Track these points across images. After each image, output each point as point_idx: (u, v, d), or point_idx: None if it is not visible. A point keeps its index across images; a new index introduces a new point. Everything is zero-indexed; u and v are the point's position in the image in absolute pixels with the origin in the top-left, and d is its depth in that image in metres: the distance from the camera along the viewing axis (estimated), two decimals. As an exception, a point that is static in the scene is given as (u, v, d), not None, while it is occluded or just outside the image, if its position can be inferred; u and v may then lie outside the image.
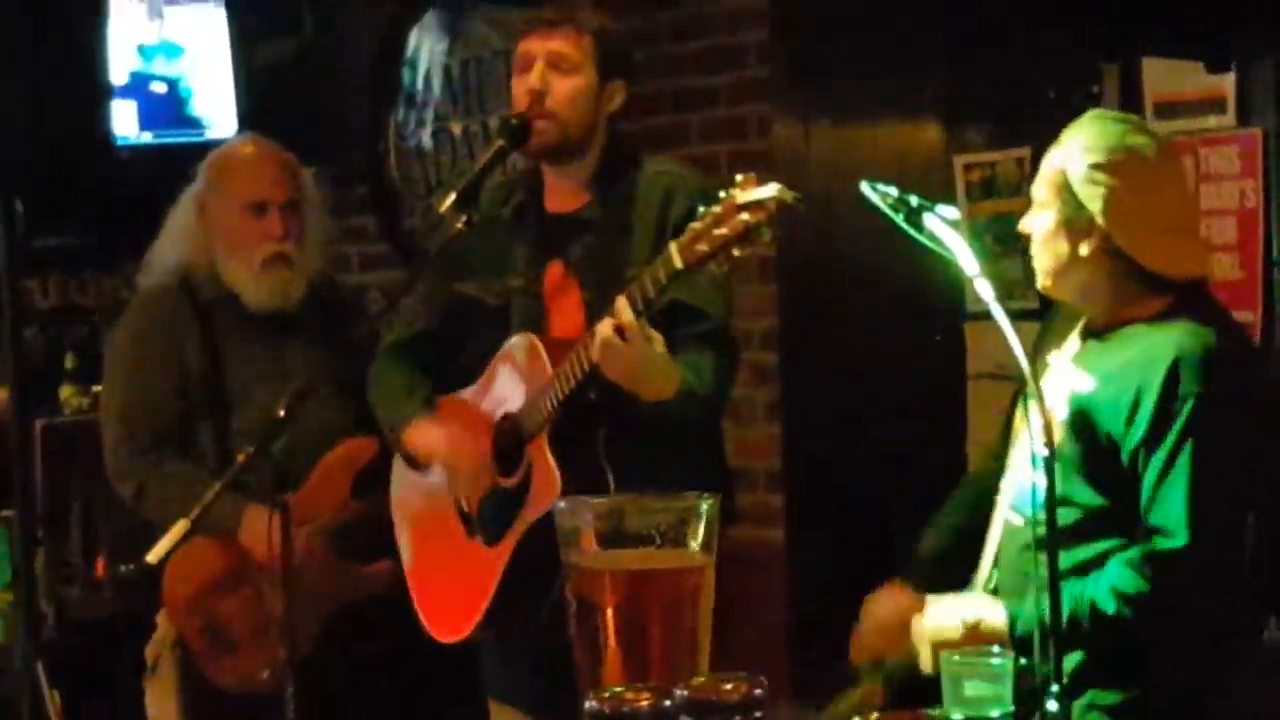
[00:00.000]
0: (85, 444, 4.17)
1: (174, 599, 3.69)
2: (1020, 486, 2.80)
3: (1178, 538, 2.65)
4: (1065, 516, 2.54)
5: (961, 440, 4.20)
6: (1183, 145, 3.71)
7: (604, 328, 2.89)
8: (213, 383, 3.74)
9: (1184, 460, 2.66)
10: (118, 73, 5.13)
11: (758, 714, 1.87)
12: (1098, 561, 2.71)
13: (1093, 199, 2.74)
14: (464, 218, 3.13)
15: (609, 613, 2.00)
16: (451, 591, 3.31)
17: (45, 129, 4.02)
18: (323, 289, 3.88)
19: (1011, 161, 4.33)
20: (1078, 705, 2.65)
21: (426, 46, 5.59)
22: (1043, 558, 2.37)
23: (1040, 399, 2.42)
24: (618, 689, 1.89)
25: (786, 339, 4.62)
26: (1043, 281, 2.87)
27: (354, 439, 3.73)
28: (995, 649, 2.41)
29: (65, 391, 5.42)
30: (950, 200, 3.87)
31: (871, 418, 4.44)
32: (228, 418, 3.72)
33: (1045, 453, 2.37)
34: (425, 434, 3.31)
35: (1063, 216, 2.79)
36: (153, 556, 3.16)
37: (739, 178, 2.73)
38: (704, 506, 2.04)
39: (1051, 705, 2.32)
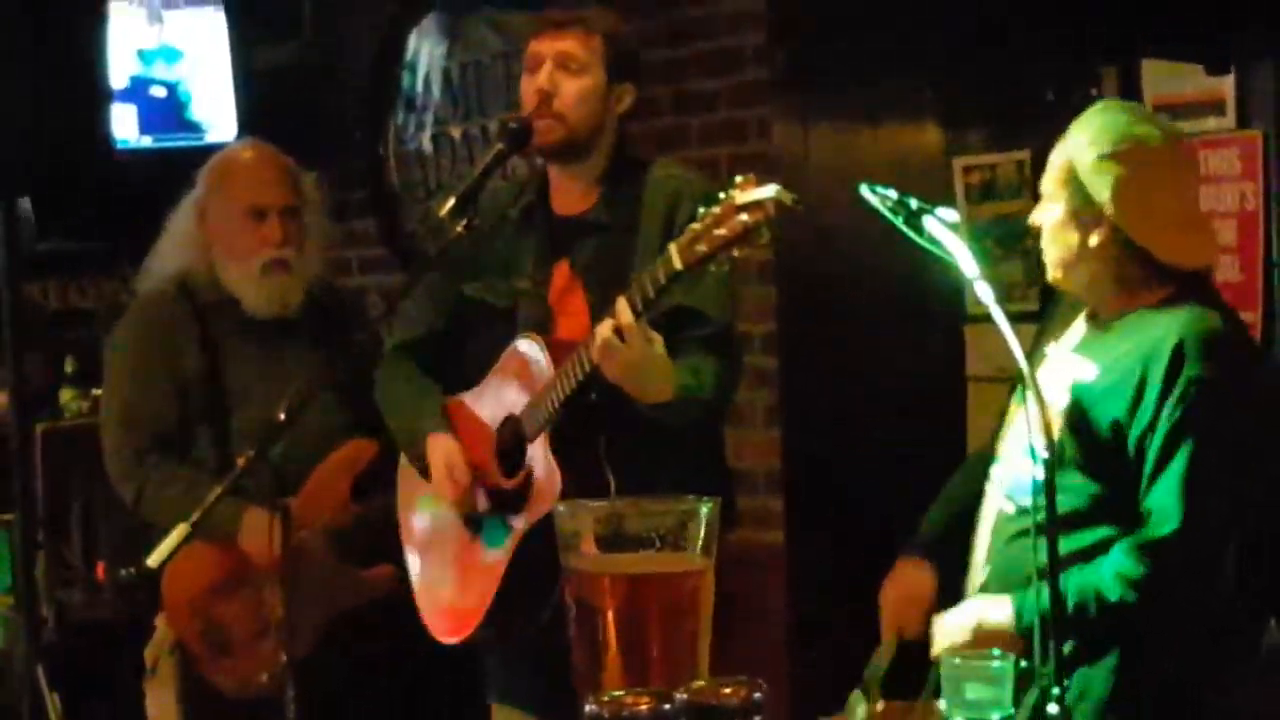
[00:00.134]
0: (85, 448, 4.17)
1: (174, 602, 3.69)
2: (1013, 476, 2.82)
3: (1169, 524, 2.66)
4: (1060, 505, 2.54)
5: (962, 443, 4.19)
6: (1183, 147, 3.72)
7: (603, 329, 2.89)
8: (212, 386, 3.74)
9: (1182, 448, 2.67)
10: (118, 77, 5.12)
11: (757, 718, 1.87)
12: (1092, 550, 2.72)
13: (1101, 189, 2.75)
14: (463, 222, 3.13)
15: (609, 616, 2.00)
16: (453, 592, 3.31)
17: (45, 133, 4.01)
18: (322, 293, 3.88)
19: (1011, 164, 4.33)
20: (1070, 697, 2.65)
21: (426, 50, 5.60)
22: (1041, 546, 2.37)
23: (1041, 401, 2.42)
24: (618, 693, 1.90)
25: (786, 342, 4.62)
26: (1053, 274, 2.88)
27: (353, 442, 3.73)
28: (995, 652, 2.41)
29: (65, 395, 5.43)
30: (950, 203, 3.85)
31: (871, 420, 4.44)
32: (227, 421, 3.72)
33: (1045, 455, 2.37)
34: (434, 452, 3.29)
35: (1071, 208, 2.80)
36: (153, 560, 3.16)
37: (738, 179, 2.74)
38: (704, 510, 2.04)
39: (1052, 709, 2.32)
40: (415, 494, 3.42)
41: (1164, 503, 2.68)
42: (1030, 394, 2.41)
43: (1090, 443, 2.73)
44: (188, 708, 3.74)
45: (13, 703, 4.38)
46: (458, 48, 5.50)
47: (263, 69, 5.50)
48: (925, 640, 2.89)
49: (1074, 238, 2.81)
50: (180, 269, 3.83)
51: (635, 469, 3.00)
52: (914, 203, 2.60)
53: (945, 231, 2.56)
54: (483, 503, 3.23)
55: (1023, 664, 2.40)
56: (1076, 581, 2.66)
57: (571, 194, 3.28)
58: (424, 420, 3.31)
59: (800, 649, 4.42)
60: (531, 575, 3.06)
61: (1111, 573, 2.68)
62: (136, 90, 5.34)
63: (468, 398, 3.32)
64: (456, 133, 5.52)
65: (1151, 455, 2.69)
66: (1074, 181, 2.79)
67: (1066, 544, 2.64)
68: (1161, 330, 2.73)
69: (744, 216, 2.69)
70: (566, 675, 2.07)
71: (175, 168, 4.02)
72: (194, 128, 5.43)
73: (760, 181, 2.71)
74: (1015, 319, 2.47)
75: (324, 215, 3.98)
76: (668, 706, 1.85)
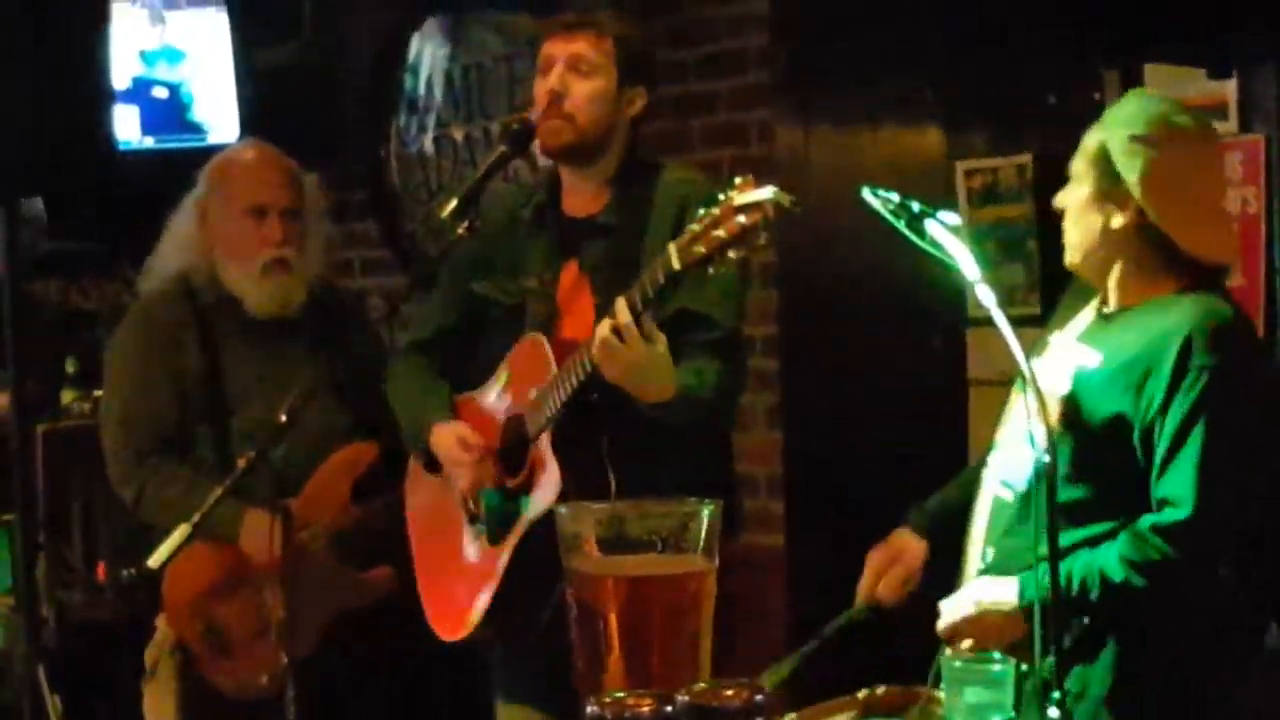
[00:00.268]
0: (86, 448, 4.17)
1: (174, 603, 3.69)
2: (1010, 463, 2.82)
3: (1183, 509, 2.66)
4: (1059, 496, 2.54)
5: (963, 447, 4.19)
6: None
7: (603, 328, 2.90)
8: (212, 386, 3.74)
9: (1195, 434, 2.66)
10: (119, 78, 5.13)
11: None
12: (1089, 544, 2.71)
13: (1130, 169, 2.74)
14: (465, 224, 3.14)
15: (610, 619, 2.00)
16: (455, 589, 3.32)
17: (46, 134, 4.02)
18: (323, 294, 3.88)
19: (1012, 167, 4.33)
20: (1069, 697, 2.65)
21: (428, 52, 5.60)
22: (1042, 536, 2.38)
23: (1042, 401, 2.42)
24: (619, 695, 1.90)
25: (787, 344, 4.62)
26: (1071, 257, 2.88)
27: (354, 444, 3.73)
28: (996, 655, 2.41)
29: (67, 396, 5.43)
30: (951, 206, 3.88)
31: (872, 423, 4.44)
32: (228, 422, 3.72)
33: (1046, 458, 2.37)
34: (442, 437, 3.31)
35: (1099, 188, 2.79)
36: (154, 561, 3.16)
37: (737, 180, 2.75)
38: (705, 512, 2.04)
39: (1053, 713, 2.32)
40: (424, 492, 3.43)
41: (1177, 488, 2.67)
42: (1031, 392, 2.41)
43: (1086, 435, 2.73)
44: (187, 708, 3.74)
45: (13, 703, 4.38)
46: (460, 50, 5.51)
47: (265, 70, 5.49)
48: (900, 606, 2.92)
49: (1097, 220, 2.80)
50: (181, 269, 3.83)
51: (637, 469, 3.00)
52: (915, 206, 2.61)
53: (946, 234, 2.57)
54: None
55: (1023, 668, 2.40)
56: (1083, 562, 2.67)
57: (583, 195, 3.29)
58: (431, 413, 3.32)
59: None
60: (531, 575, 3.06)
61: (1117, 555, 2.68)
62: (138, 91, 5.33)
63: (474, 395, 3.33)
64: (458, 135, 5.52)
65: (1163, 442, 2.68)
66: (1104, 161, 2.78)
67: (1066, 537, 2.65)
68: (1171, 321, 2.72)
69: (742, 218, 2.70)
70: (568, 674, 2.07)
71: (177, 169, 4.02)
72: (196, 129, 5.42)
73: (759, 183, 2.72)
74: (1016, 322, 2.47)
75: (325, 216, 3.99)
76: (669, 708, 1.85)
